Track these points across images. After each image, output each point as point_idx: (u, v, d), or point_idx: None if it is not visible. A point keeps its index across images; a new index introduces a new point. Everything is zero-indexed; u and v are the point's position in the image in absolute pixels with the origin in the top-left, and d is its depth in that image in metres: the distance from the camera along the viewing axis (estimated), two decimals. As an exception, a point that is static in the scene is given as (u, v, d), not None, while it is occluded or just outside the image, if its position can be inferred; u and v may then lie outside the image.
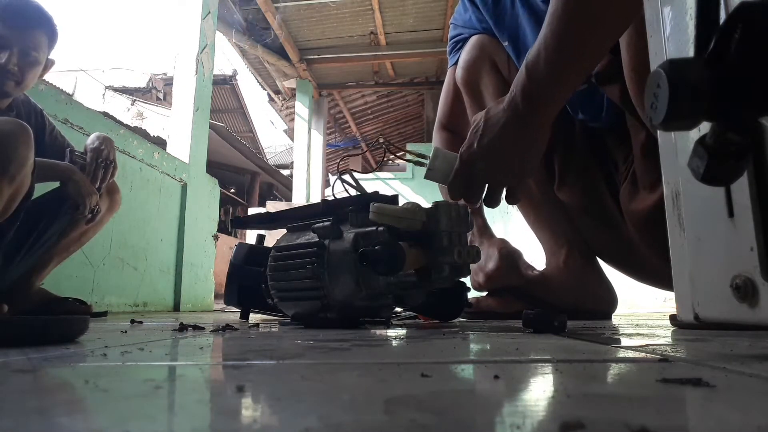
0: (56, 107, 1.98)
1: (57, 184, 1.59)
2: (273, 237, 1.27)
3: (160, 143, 4.22)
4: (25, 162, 1.17)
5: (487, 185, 0.92)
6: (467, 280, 1.07)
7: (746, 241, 0.40)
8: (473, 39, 1.31)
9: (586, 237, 1.29)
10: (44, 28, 1.43)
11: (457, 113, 1.38)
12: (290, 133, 7.67)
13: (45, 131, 1.55)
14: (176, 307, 2.83)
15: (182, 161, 2.98)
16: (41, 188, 1.53)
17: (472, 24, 1.32)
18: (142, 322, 1.20)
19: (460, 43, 1.35)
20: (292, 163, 6.63)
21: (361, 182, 1.10)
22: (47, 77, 1.71)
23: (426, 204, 0.99)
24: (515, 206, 1.10)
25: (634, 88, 0.88)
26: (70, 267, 1.90)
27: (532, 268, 1.32)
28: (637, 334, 0.75)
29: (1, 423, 0.23)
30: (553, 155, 1.27)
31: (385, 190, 1.07)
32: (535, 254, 1.43)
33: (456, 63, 1.35)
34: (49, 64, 1.47)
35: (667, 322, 1.00)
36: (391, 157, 1.13)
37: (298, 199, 6.05)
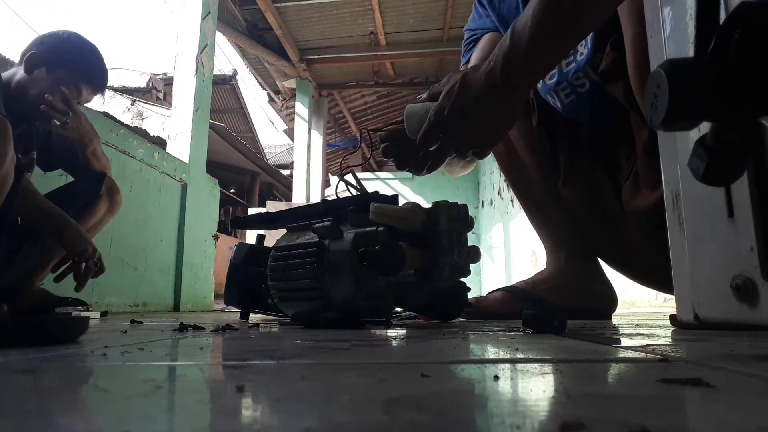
0: (56, 107, 1.98)
1: (57, 184, 1.59)
2: (273, 237, 1.27)
3: (160, 143, 4.22)
4: (4, 156, 1.16)
5: (452, 147, 0.91)
6: (467, 280, 1.07)
7: (746, 241, 0.40)
8: (486, 37, 1.32)
9: (588, 236, 1.29)
10: None
11: None
12: (290, 133, 7.66)
13: (51, 134, 1.55)
14: (176, 307, 2.83)
15: (182, 161, 2.98)
16: (40, 188, 1.53)
17: (485, 25, 1.32)
18: (142, 322, 1.20)
19: (473, 43, 1.36)
20: (292, 163, 6.63)
21: (361, 181, 1.10)
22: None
23: (426, 204, 0.99)
24: (518, 206, 1.10)
25: (638, 85, 0.87)
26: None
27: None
28: (637, 334, 0.75)
29: (1, 423, 0.23)
30: (558, 153, 1.27)
31: (385, 190, 1.07)
32: (534, 254, 1.43)
33: (468, 61, 1.35)
34: None
35: (667, 322, 1.00)
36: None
37: (298, 199, 6.05)
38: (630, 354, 0.51)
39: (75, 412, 0.28)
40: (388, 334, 0.79)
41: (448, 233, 0.95)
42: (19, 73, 1.41)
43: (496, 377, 0.36)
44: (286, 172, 10.70)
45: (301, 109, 6.39)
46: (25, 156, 1.45)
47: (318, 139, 6.69)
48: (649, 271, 1.17)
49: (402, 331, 0.85)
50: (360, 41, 5.59)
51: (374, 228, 0.91)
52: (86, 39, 1.53)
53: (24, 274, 1.47)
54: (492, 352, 0.54)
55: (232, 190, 10.33)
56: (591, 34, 1.07)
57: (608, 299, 1.30)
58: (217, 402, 0.30)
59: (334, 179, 1.14)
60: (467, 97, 0.84)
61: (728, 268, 0.42)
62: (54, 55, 1.43)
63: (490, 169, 5.71)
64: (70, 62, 1.44)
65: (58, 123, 1.42)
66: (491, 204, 5.72)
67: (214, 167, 5.61)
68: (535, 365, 0.42)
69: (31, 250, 1.46)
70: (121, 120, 7.13)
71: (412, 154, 0.99)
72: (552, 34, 0.76)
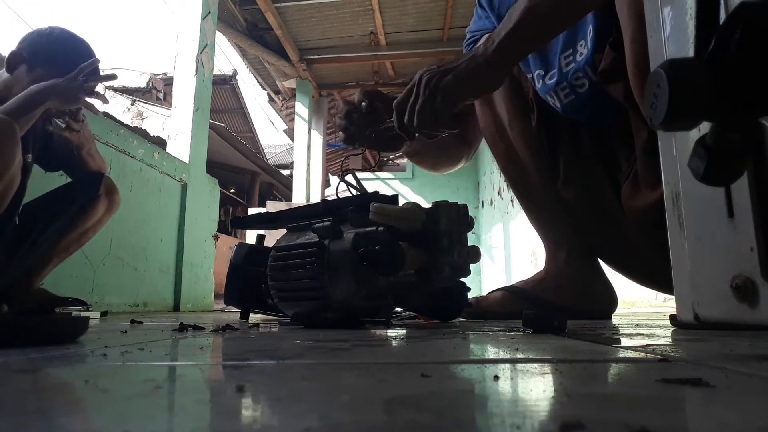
0: (56, 107, 1.97)
1: (56, 183, 1.59)
2: (273, 237, 1.27)
3: (160, 143, 4.22)
4: (11, 159, 1.16)
5: (429, 108, 1.01)
6: (467, 280, 1.07)
7: (746, 241, 0.40)
8: (485, 38, 1.32)
9: (588, 236, 1.29)
10: None
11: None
12: (290, 133, 7.66)
13: (53, 135, 1.54)
14: (176, 307, 2.83)
15: (182, 161, 2.98)
16: (41, 188, 1.53)
17: (485, 26, 1.32)
18: (142, 322, 1.20)
19: (472, 44, 1.36)
20: (292, 163, 6.63)
21: (361, 182, 1.10)
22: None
23: (426, 204, 1.00)
24: (518, 206, 1.13)
25: (637, 85, 0.87)
26: (70, 267, 1.90)
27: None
28: (637, 334, 0.75)
29: (1, 423, 0.23)
30: (558, 153, 1.27)
31: (385, 190, 1.08)
32: (534, 254, 1.43)
33: None
34: None
35: (667, 322, 1.00)
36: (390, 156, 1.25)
37: (298, 199, 6.04)
38: (630, 354, 0.51)
39: (75, 412, 0.28)
40: (388, 334, 0.79)
41: (448, 233, 0.95)
42: (4, 74, 1.38)
43: (496, 377, 0.36)
44: (286, 172, 10.70)
45: (301, 109, 6.39)
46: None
47: (318, 139, 6.69)
48: (649, 271, 1.17)
49: (402, 331, 0.85)
50: (360, 41, 5.59)
51: (374, 228, 0.91)
52: (71, 32, 1.45)
53: (24, 274, 1.47)
54: (492, 352, 0.54)
55: (232, 190, 10.33)
56: (591, 35, 1.07)
57: (608, 299, 1.30)
58: (217, 402, 0.30)
59: (334, 179, 1.15)
60: (456, 62, 0.99)
61: (728, 268, 0.42)
62: (33, 52, 1.38)
63: (490, 169, 5.71)
64: (51, 59, 1.37)
65: (63, 125, 1.39)
66: (491, 204, 5.72)
67: (214, 167, 5.61)
68: (535, 365, 0.42)
69: (31, 250, 1.46)
70: (121, 120, 7.13)
71: (362, 131, 1.13)
72: (534, 23, 0.89)
